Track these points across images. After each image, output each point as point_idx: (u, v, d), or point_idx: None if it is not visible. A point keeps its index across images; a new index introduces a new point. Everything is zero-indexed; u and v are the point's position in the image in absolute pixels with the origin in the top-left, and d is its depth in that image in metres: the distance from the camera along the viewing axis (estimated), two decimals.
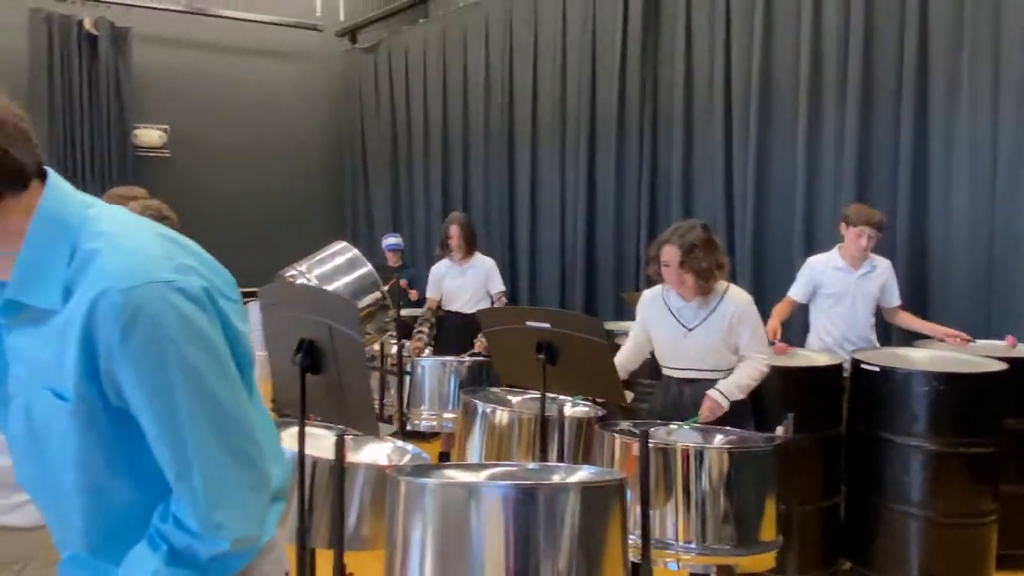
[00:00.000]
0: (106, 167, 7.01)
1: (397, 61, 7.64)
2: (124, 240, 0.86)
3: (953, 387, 2.86)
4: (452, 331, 4.50)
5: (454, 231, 4.40)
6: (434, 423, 3.80)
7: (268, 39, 7.93)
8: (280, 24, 7.84)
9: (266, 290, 2.09)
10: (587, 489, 1.62)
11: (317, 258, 3.75)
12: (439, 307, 4.57)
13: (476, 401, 2.79)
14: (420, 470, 1.91)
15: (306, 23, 7.95)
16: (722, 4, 4.79)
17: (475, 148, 6.77)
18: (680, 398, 2.61)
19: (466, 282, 4.45)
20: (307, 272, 3.66)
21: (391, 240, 5.91)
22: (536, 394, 2.68)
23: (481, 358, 3.91)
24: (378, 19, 7.88)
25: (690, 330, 2.57)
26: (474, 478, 1.76)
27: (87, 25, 6.86)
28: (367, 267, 3.70)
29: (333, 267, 3.69)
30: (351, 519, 1.95)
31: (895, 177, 4.12)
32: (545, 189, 6.05)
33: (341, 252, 3.79)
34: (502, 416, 2.72)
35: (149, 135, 7.39)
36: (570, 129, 5.81)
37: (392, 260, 5.81)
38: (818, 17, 4.34)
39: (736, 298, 2.59)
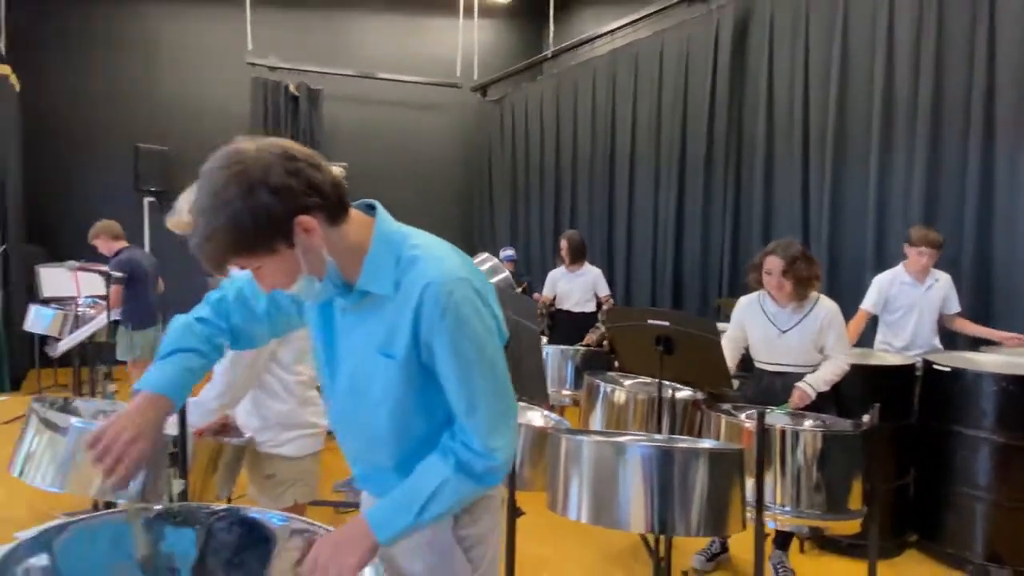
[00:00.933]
0: None
1: (519, 110, 7.81)
2: (434, 251, 1.01)
3: (1020, 387, 2.67)
4: (564, 325, 4.59)
5: (563, 244, 4.50)
6: (554, 399, 3.89)
7: (418, 95, 8.29)
8: (428, 83, 8.19)
9: None
10: (714, 454, 1.64)
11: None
12: (551, 304, 4.66)
13: (598, 381, 2.83)
14: (575, 432, 1.98)
15: (448, 82, 8.26)
16: (801, 51, 4.61)
17: (581, 178, 6.82)
18: (772, 388, 2.56)
19: (576, 286, 4.52)
20: None
21: (508, 252, 6.05)
22: (645, 379, 2.72)
23: (591, 348, 3.96)
24: (503, 77, 8.10)
25: (784, 331, 2.52)
26: (619, 440, 1.82)
27: (292, 88, 7.44)
28: (505, 272, 3.84)
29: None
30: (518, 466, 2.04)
31: (962, 202, 3.81)
32: (640, 211, 6.01)
33: (485, 261, 3.95)
34: (620, 395, 2.75)
35: (334, 171, 7.89)
36: (663, 161, 5.73)
37: (508, 269, 5.95)
38: (890, 59, 4.06)
39: (827, 305, 2.53)
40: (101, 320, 2.85)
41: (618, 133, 6.27)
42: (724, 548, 2.85)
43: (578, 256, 4.46)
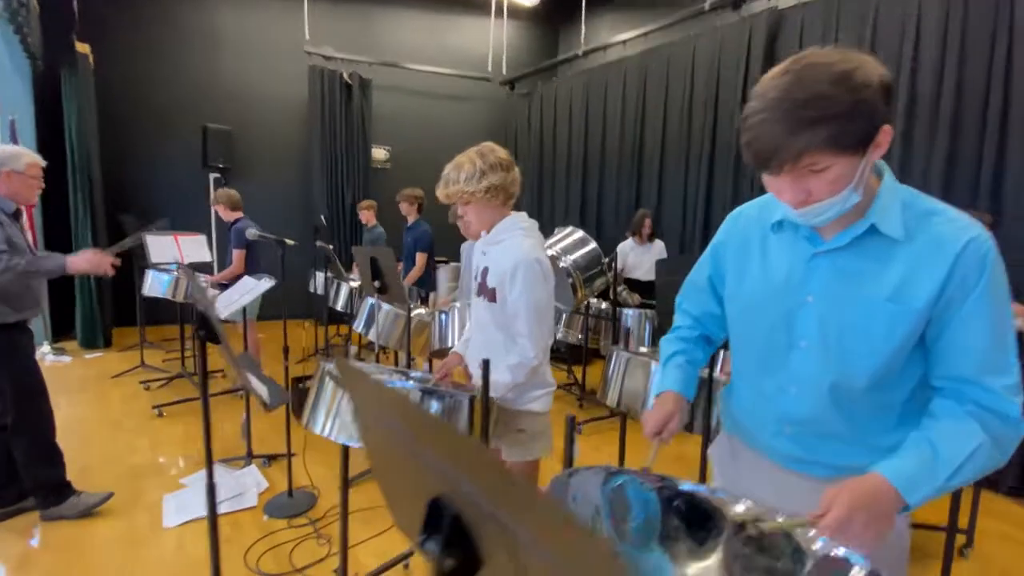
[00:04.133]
0: (356, 175, 7.32)
1: (547, 104, 7.67)
2: (950, 211, 0.91)
3: None
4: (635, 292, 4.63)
5: (648, 222, 4.51)
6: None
7: (452, 87, 8.08)
8: (462, 76, 7.97)
9: None
10: None
11: (558, 237, 3.88)
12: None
13: None
14: None
15: (480, 76, 8.05)
16: None
17: (608, 168, 6.76)
18: None
19: (645, 259, 4.56)
20: (554, 248, 3.78)
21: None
22: None
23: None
24: (533, 73, 7.93)
25: None
26: None
27: (345, 77, 7.12)
28: (594, 243, 3.81)
29: (571, 243, 3.81)
30: None
31: (975, 196, 3.93)
32: (669, 197, 6.01)
33: (573, 232, 3.92)
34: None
35: (379, 153, 7.67)
36: (692, 155, 5.71)
37: None
38: (915, 63, 4.10)
39: None
40: (263, 286, 2.72)
41: (647, 128, 6.22)
42: None
43: (653, 233, 4.51)
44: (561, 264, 3.67)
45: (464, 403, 1.43)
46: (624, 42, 6.43)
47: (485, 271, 1.71)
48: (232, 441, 3.43)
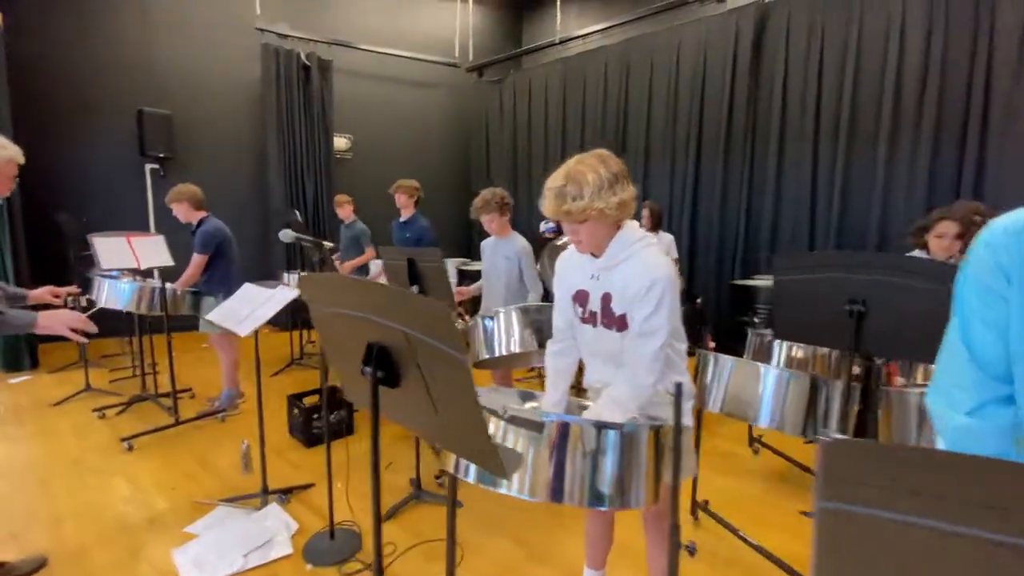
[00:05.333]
0: (317, 165, 6.75)
1: (521, 91, 7.44)
2: None
3: None
4: None
5: (645, 213, 4.38)
6: None
7: (417, 72, 7.65)
8: (428, 61, 7.57)
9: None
10: None
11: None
12: None
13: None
14: None
15: (447, 61, 7.68)
16: (817, 48, 4.73)
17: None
18: None
19: None
20: (561, 240, 3.58)
21: (550, 225, 5.81)
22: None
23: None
24: (502, 60, 7.67)
25: None
26: None
27: (303, 58, 6.52)
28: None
29: None
30: None
31: (957, 186, 4.16)
32: (655, 189, 5.99)
33: None
34: (798, 351, 2.73)
35: (339, 142, 7.12)
36: (679, 142, 5.73)
37: (548, 236, 5.74)
38: (903, 50, 4.28)
39: None
40: (288, 295, 2.32)
41: (631, 119, 6.17)
42: None
43: (658, 223, 4.38)
44: None
45: (642, 434, 1.22)
46: (604, 30, 6.32)
47: (607, 298, 1.50)
48: (232, 476, 2.97)
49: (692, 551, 2.18)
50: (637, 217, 4.47)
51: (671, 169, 5.80)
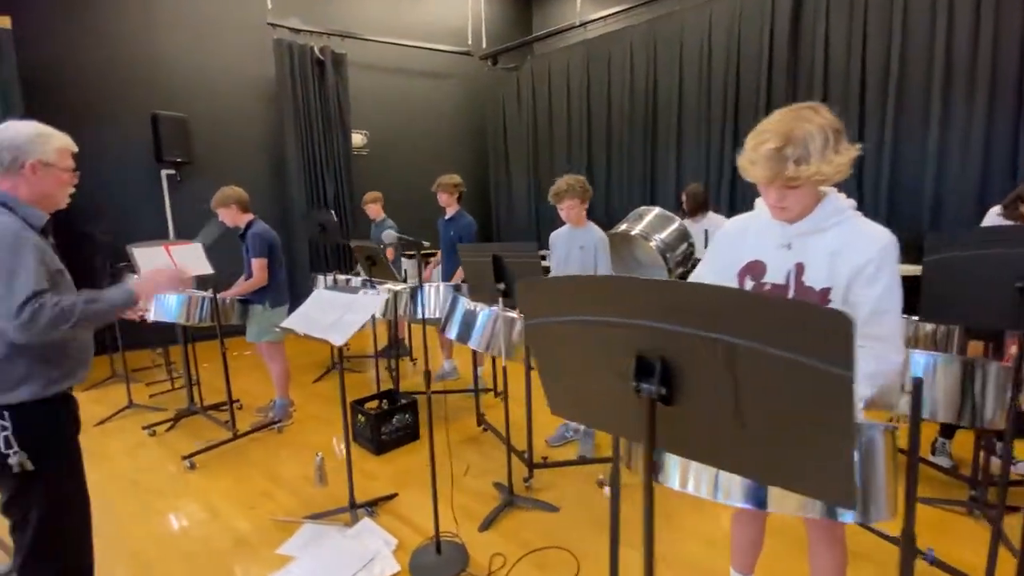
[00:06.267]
0: (336, 163, 6.56)
1: (540, 77, 7.24)
2: None
3: None
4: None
5: (684, 198, 4.24)
6: None
7: (430, 62, 7.45)
8: (441, 51, 7.37)
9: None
10: None
11: (641, 218, 3.55)
12: None
13: None
14: None
15: (460, 49, 7.48)
16: (860, 17, 4.56)
17: (616, 141, 6.50)
18: None
19: (697, 234, 4.29)
20: (635, 229, 3.46)
21: None
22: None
23: None
24: (516, 46, 7.48)
25: None
26: None
27: (317, 52, 6.31)
28: (678, 220, 3.54)
29: (654, 221, 3.51)
30: None
31: (1014, 157, 4.01)
32: (689, 168, 5.84)
33: (649, 210, 3.62)
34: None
35: (355, 138, 6.92)
36: (715, 121, 5.56)
37: None
38: (951, 25, 4.14)
39: None
40: (375, 300, 2.17)
41: (660, 99, 6.00)
42: None
43: (700, 206, 4.22)
44: (652, 244, 3.37)
45: (878, 438, 1.09)
46: (629, 9, 6.14)
47: (799, 269, 1.34)
48: (306, 490, 2.85)
49: (931, 559, 1.93)
50: (677, 202, 4.36)
51: (707, 150, 5.66)
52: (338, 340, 2.08)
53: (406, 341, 5.33)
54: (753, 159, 1.26)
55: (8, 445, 1.52)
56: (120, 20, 5.53)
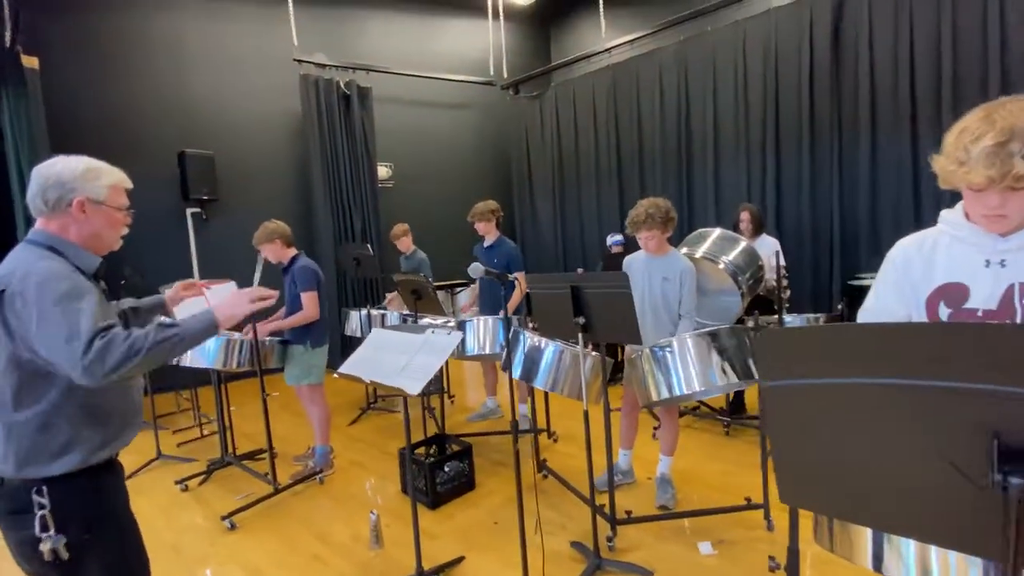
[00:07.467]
0: (363, 197, 6.45)
1: (564, 104, 7.17)
2: None
3: None
4: None
5: (745, 216, 4.03)
6: None
7: (452, 94, 7.43)
8: (464, 81, 7.34)
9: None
10: None
11: (695, 240, 3.34)
12: None
13: None
14: None
15: (482, 80, 7.45)
16: (906, 30, 4.43)
17: (648, 165, 6.34)
18: None
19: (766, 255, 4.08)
20: (698, 251, 3.24)
21: (617, 238, 5.48)
22: None
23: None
24: (539, 74, 7.45)
25: None
26: None
27: (342, 87, 6.27)
28: (745, 241, 3.32)
29: (718, 241, 3.29)
30: None
31: None
32: (727, 190, 5.65)
33: (710, 232, 3.40)
34: None
35: (380, 171, 6.83)
36: (754, 141, 5.40)
37: (616, 251, 5.40)
38: (1004, 33, 4.00)
39: None
40: (453, 340, 1.94)
41: (694, 120, 5.87)
42: None
43: (760, 227, 4.02)
44: (720, 266, 3.14)
45: None
46: (655, 32, 6.07)
47: (1009, 293, 1.11)
48: (360, 552, 2.57)
49: None
50: (736, 220, 4.17)
51: (747, 169, 5.48)
52: (413, 388, 1.84)
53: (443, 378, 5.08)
54: (963, 159, 1.05)
55: (44, 528, 1.27)
56: (147, 60, 5.52)
